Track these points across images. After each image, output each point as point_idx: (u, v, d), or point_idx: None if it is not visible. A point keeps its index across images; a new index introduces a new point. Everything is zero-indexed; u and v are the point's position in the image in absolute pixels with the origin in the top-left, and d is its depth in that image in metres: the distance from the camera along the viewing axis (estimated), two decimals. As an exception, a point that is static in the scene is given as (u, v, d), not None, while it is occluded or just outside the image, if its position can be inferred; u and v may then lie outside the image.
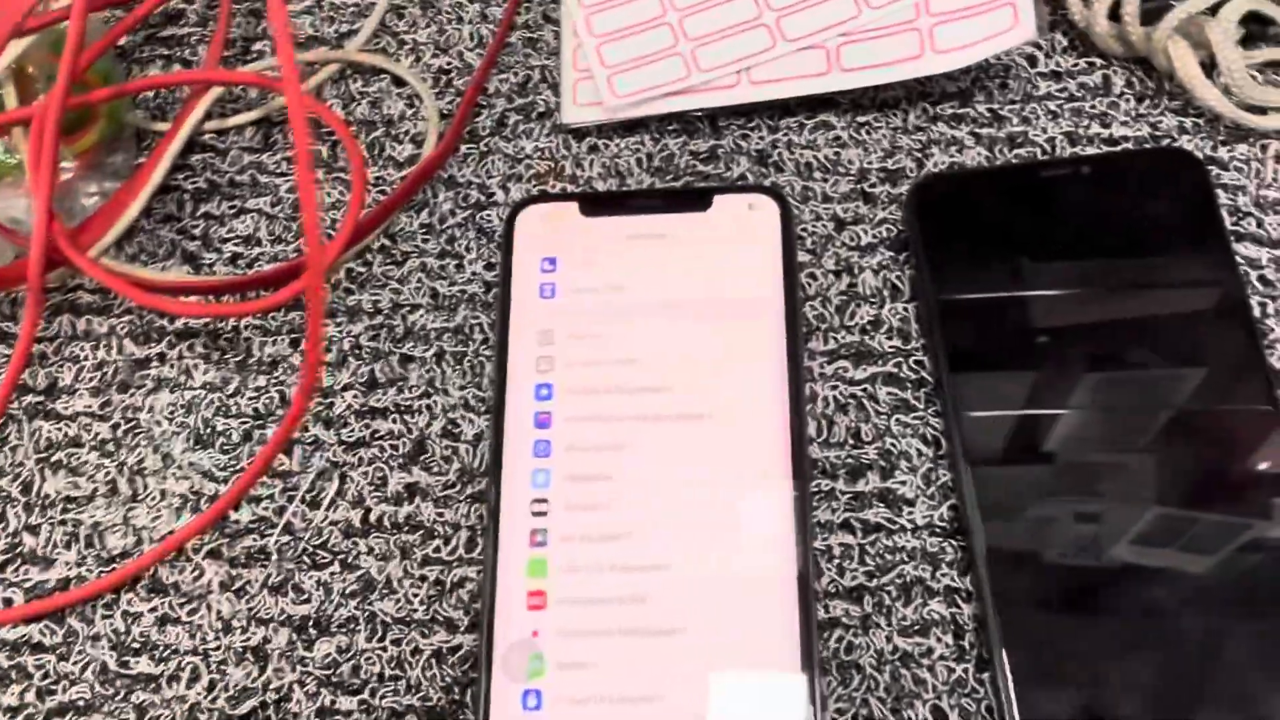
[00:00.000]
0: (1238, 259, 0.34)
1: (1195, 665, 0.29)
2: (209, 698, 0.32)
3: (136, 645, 0.33)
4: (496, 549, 0.32)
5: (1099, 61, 0.38)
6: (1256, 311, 0.34)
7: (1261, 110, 0.36)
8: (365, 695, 0.31)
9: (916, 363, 0.34)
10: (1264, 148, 0.36)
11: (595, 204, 0.36)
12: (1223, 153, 0.36)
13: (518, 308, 0.35)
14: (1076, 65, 0.38)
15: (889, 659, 0.31)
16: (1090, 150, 0.36)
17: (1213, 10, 0.36)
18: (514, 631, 0.31)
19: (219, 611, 0.33)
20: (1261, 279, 0.34)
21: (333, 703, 0.31)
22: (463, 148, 0.39)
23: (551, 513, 0.32)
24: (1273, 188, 0.35)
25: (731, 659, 0.30)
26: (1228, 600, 0.30)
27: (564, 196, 0.37)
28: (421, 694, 0.31)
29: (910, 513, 0.33)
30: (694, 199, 0.36)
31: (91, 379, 0.36)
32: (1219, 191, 0.35)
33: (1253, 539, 0.30)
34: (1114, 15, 0.37)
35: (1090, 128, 0.37)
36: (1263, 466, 0.31)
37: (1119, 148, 0.36)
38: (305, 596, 0.33)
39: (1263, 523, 0.31)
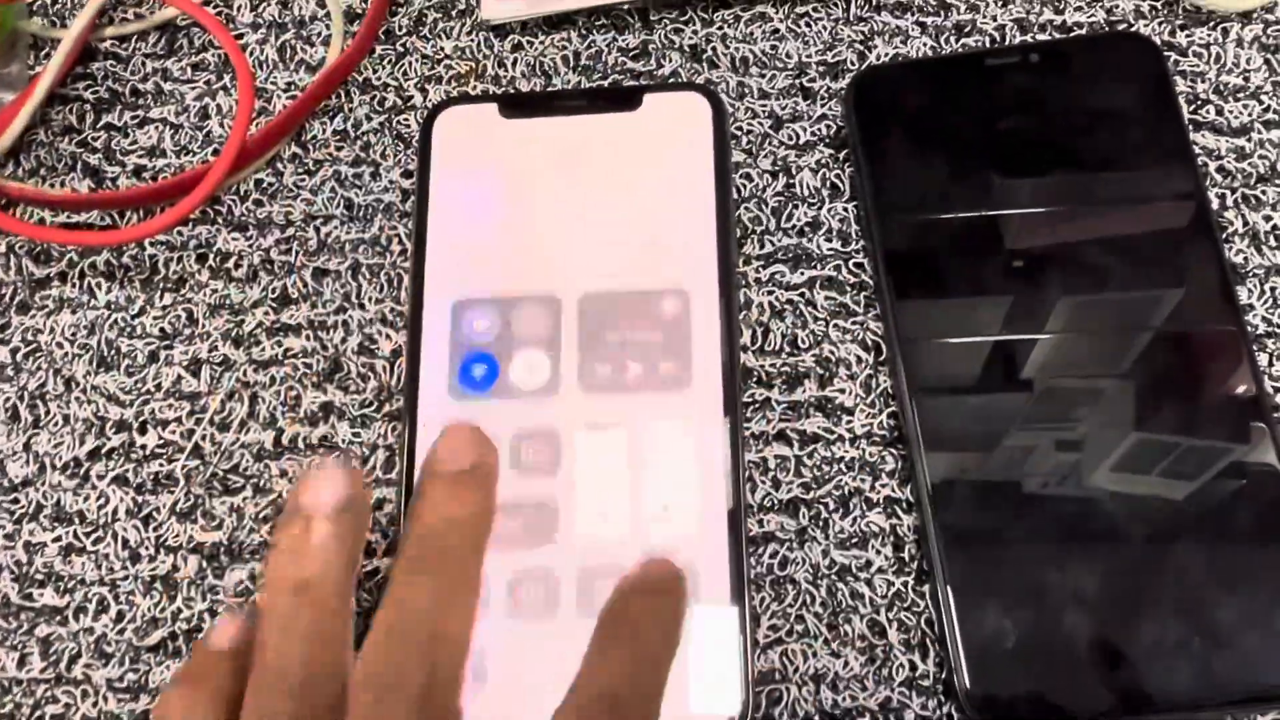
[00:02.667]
0: (1195, 149, 0.32)
1: (1133, 575, 0.28)
2: (116, 629, 0.31)
3: (40, 577, 0.31)
4: (413, 469, 0.30)
5: (1052, -56, 0.36)
6: (1215, 204, 0.32)
7: (1222, -8, 0.34)
8: (279, 623, 0.30)
9: (856, 265, 0.32)
10: (1225, 32, 0.34)
11: (517, 105, 0.34)
12: (1181, 38, 0.34)
13: (436, 217, 0.33)
14: (1028, -52, 0.35)
15: (825, 573, 0.30)
16: (1042, 37, 0.34)
17: (1172, -116, 0.34)
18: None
19: (125, 540, 0.31)
20: (1221, 169, 0.32)
21: (245, 631, 0.30)
22: (378, 49, 0.36)
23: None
24: (1234, 74, 0.33)
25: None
26: (1166, 511, 0.28)
27: (484, 98, 0.34)
28: (338, 620, 0.30)
29: (849, 422, 0.31)
30: (622, 98, 0.34)
31: (-12, 301, 0.34)
32: (1176, 79, 0.33)
33: (1191, 450, 0.29)
34: (1067, -108, 0.34)
35: (1042, 14, 0.35)
36: (1213, 374, 0.30)
37: (1071, 34, 0.34)
38: (216, 523, 0.31)
39: (1204, 435, 0.29)
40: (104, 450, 0.32)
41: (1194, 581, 0.28)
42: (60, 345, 0.34)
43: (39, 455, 0.33)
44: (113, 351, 0.34)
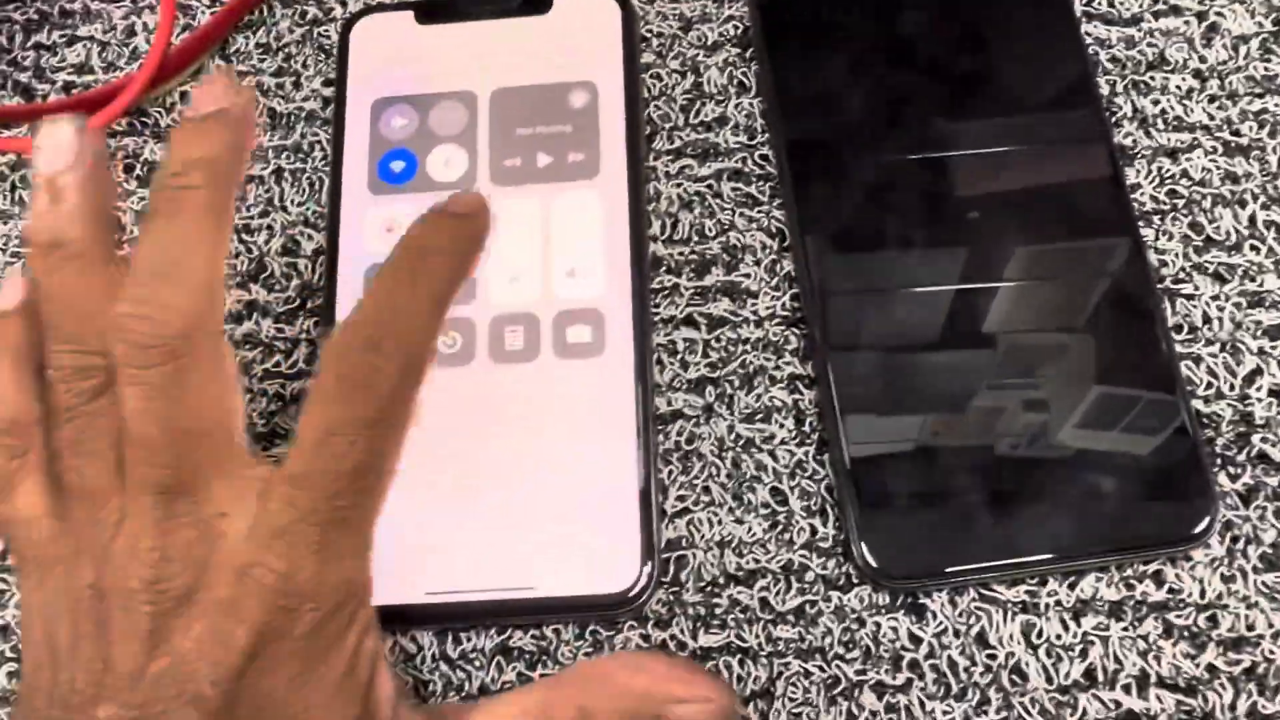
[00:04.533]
0: (1087, 39, 0.33)
1: (1023, 439, 0.29)
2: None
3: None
4: (335, 270, 0.32)
5: None
6: (1105, 90, 0.33)
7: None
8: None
9: (762, 157, 0.34)
10: (1116, -73, 0.35)
11: (431, 13, 0.35)
12: (1075, -66, 0.35)
13: (353, 122, 0.34)
14: None
15: (730, 445, 0.31)
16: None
17: None
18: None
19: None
20: (1112, 59, 0.34)
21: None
22: (301, -35, 0.37)
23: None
24: (1125, -32, 0.35)
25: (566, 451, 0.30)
26: (1052, 361, 0.30)
27: (399, 6, 0.35)
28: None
29: (754, 304, 0.32)
30: (533, 3, 0.35)
31: (-79, 214, 0.35)
32: (1070, -27, 0.34)
33: (1064, 289, 0.30)
34: None
35: (941, -84, 0.36)
36: (1098, 246, 0.31)
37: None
38: (145, 417, 0.32)
39: (1069, 276, 0.30)
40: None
41: (1074, 435, 0.29)
42: (-8, 254, 0.35)
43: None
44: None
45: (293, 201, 0.34)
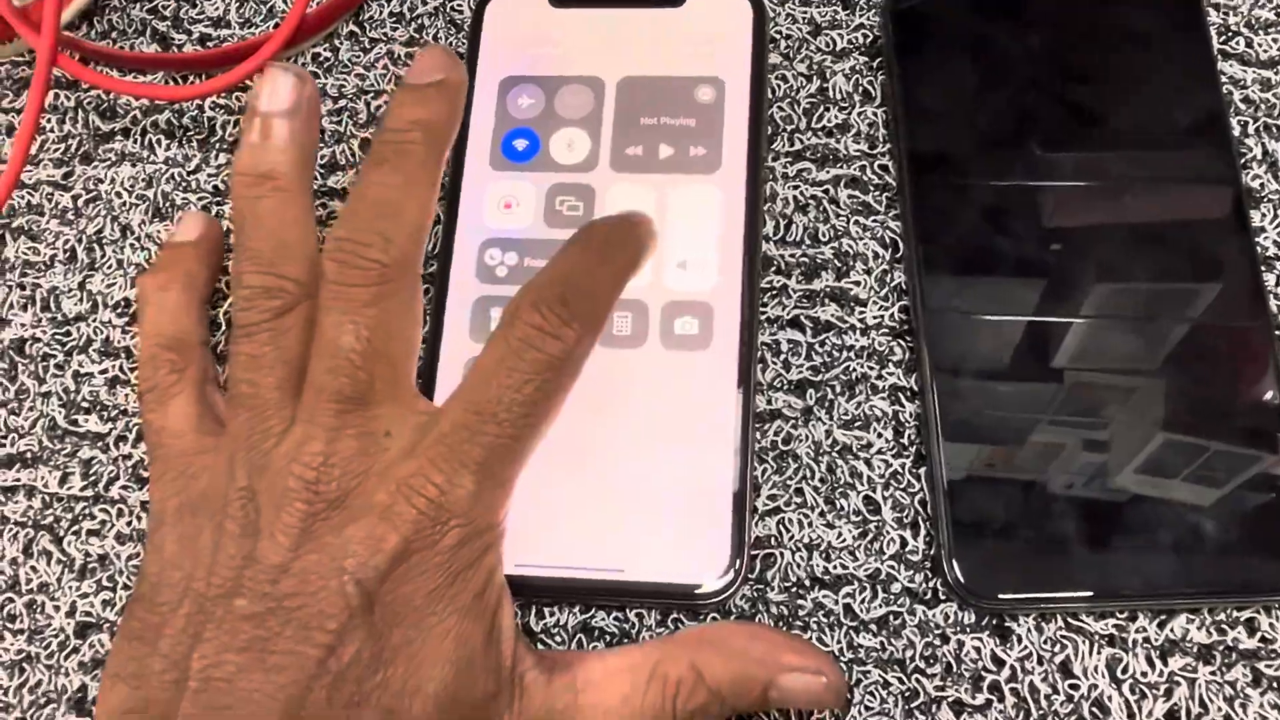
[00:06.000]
0: (1222, 78, 0.33)
1: (1126, 455, 0.29)
2: (153, 456, 0.32)
3: (86, 405, 0.33)
4: (452, 238, 0.33)
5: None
6: (1236, 130, 0.33)
7: (1263, -70, 0.34)
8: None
9: (881, 167, 0.34)
10: (1261, -32, 0.35)
11: (566, -4, 0.36)
12: (1218, -28, 0.35)
13: (480, 99, 0.35)
14: (1074, -122, 0.36)
15: (827, 450, 0.31)
16: (1080, -35, 0.35)
17: None
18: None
19: (168, 376, 0.33)
20: (1245, 100, 0.33)
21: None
22: (439, -61, 0.38)
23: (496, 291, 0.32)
24: (1267, 9, 0.34)
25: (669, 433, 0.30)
26: (1156, 401, 0.29)
27: (535, -14, 0.36)
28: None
29: (861, 312, 0.32)
30: (667, -6, 0.35)
31: (56, 149, 0.36)
32: (1212, 11, 0.34)
33: (1191, 335, 0.30)
34: None
35: (1082, -58, 0.35)
36: (1218, 290, 0.31)
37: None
38: (254, 367, 0.33)
39: (1193, 304, 0.30)
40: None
41: (1178, 477, 0.29)
42: (119, 195, 0.36)
43: (92, 294, 0.34)
44: (167, 204, 0.35)
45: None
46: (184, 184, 0.35)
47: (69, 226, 0.35)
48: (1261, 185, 0.32)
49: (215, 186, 0.35)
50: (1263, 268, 0.31)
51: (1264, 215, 0.32)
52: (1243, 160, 0.32)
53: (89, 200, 0.36)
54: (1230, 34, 0.34)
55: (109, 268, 0.35)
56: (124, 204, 0.35)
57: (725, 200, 0.32)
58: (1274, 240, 0.32)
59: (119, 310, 0.34)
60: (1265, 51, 0.34)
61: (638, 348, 0.31)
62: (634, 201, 0.33)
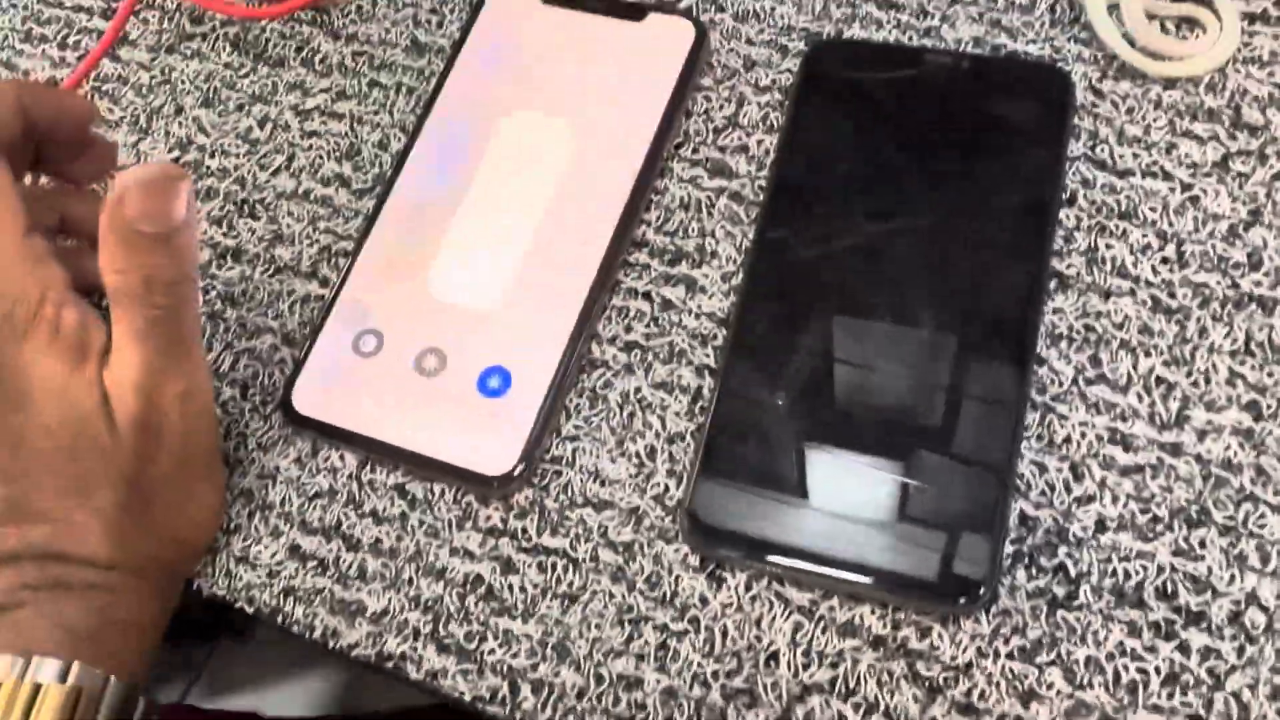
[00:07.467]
0: (1071, 176, 0.37)
1: (859, 472, 0.34)
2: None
3: (108, 232, 0.42)
4: (374, 222, 0.40)
5: (1035, -16, 0.41)
6: (1072, 223, 0.37)
7: (1161, 59, 0.38)
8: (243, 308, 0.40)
9: (759, 188, 0.39)
10: (1146, 90, 0.38)
11: (556, -4, 0.43)
12: (1106, 85, 0.38)
13: (462, 65, 0.42)
14: (1013, -17, 0.41)
15: (634, 401, 0.37)
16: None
17: (1144, -44, 0.38)
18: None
19: (170, 224, 0.42)
20: (1089, 199, 0.37)
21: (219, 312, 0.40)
22: (483, -65, 0.46)
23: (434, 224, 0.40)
24: (1138, 125, 0.38)
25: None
26: (899, 421, 0.34)
27: (536, -14, 0.43)
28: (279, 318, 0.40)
29: (700, 300, 0.38)
30: (634, 11, 0.42)
31: (152, 39, 0.46)
32: (1089, 118, 0.38)
33: (956, 367, 0.34)
34: (1051, -60, 0.39)
35: (999, 38, 0.40)
36: (993, 344, 0.35)
37: (1005, 54, 0.39)
38: (234, 233, 0.42)
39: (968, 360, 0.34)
40: (180, 160, 0.43)
41: (892, 487, 0.33)
42: (183, 82, 0.45)
43: (140, 155, 0.44)
44: (215, 96, 0.44)
45: (398, 109, 0.43)
46: (231, 84, 0.45)
47: (141, 98, 0.45)
48: (1076, 274, 0.36)
49: (253, 92, 0.44)
50: (1047, 340, 0.35)
51: (1067, 298, 0.36)
52: (1067, 249, 0.36)
53: (161, 82, 0.45)
54: (1098, 140, 0.38)
55: (157, 135, 0.44)
56: (184, 89, 0.45)
57: (619, 182, 0.39)
58: (1069, 323, 0.35)
59: (154, 168, 0.43)
60: (1123, 163, 0.37)
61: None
62: (547, 147, 0.40)
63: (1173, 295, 0.35)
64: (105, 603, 0.34)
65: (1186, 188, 0.37)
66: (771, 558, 0.33)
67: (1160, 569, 0.32)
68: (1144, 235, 0.36)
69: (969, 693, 0.32)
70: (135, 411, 0.33)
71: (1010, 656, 0.32)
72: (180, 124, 0.44)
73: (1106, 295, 0.36)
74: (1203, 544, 0.32)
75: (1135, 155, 0.37)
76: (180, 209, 0.32)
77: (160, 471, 0.34)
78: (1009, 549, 0.33)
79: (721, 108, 0.41)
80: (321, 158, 0.42)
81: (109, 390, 0.33)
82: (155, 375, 0.33)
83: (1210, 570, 0.32)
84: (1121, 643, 0.31)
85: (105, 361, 0.33)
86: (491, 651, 0.34)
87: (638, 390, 0.37)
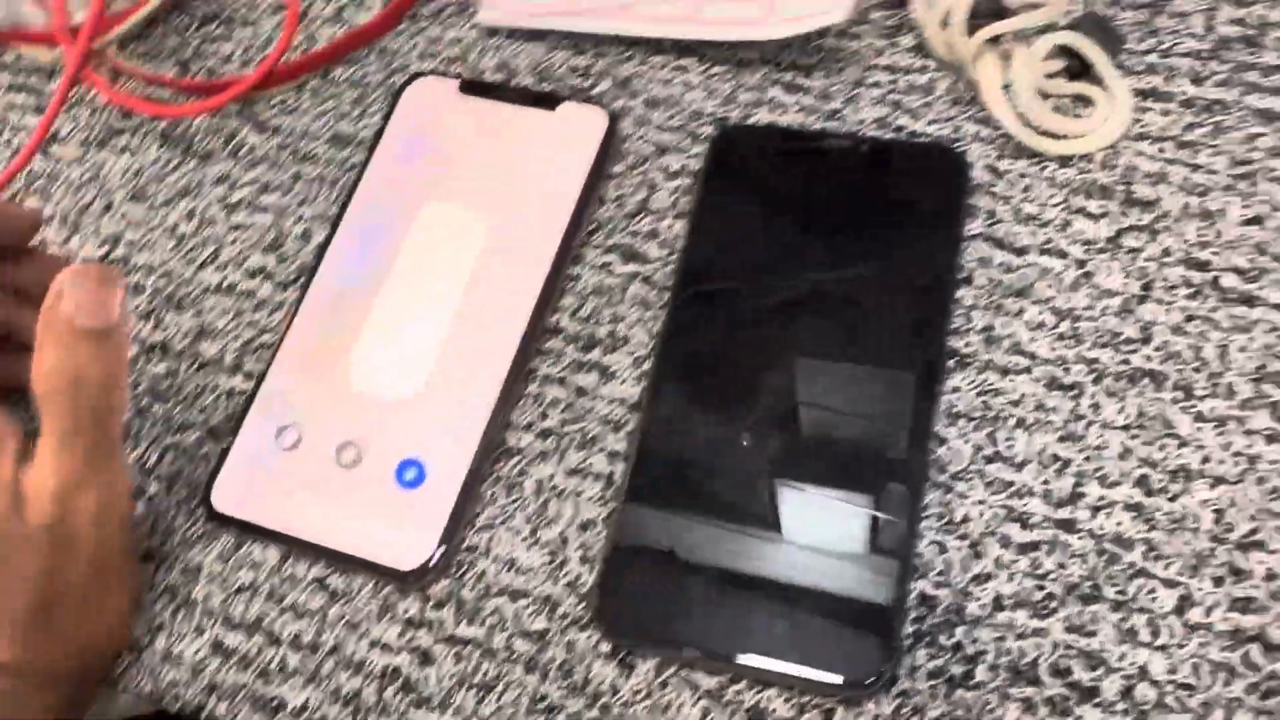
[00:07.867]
0: (969, 254, 0.38)
1: (759, 558, 0.34)
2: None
3: (39, 329, 0.43)
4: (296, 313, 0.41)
5: (933, 66, 0.42)
6: (969, 301, 0.38)
7: (1056, 137, 0.39)
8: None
9: (669, 272, 0.40)
10: (1043, 168, 0.39)
11: (473, 87, 0.44)
12: (1005, 163, 0.39)
13: (381, 155, 0.43)
14: (912, 65, 0.42)
15: (548, 489, 0.37)
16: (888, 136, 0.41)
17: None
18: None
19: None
20: (988, 278, 0.38)
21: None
22: (405, 23, 0.47)
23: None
24: (1034, 204, 0.39)
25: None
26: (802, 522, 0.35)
27: (451, 75, 0.44)
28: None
29: (613, 386, 0.39)
30: (546, 100, 0.43)
31: (83, 133, 0.47)
32: (987, 197, 0.39)
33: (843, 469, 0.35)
34: (946, 23, 0.41)
35: (900, 120, 0.41)
36: (890, 429, 0.35)
37: (900, 137, 0.41)
38: (163, 327, 0.43)
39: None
40: (109, 256, 0.44)
41: (795, 569, 0.34)
42: (112, 178, 0.46)
43: (71, 253, 0.45)
44: (144, 190, 0.45)
45: (321, 198, 0.44)
46: (159, 179, 0.46)
47: (71, 195, 0.46)
48: (974, 352, 0.37)
49: (182, 187, 0.45)
50: (945, 419, 0.36)
51: (965, 376, 0.37)
52: (965, 327, 0.37)
53: (91, 178, 0.46)
54: (995, 219, 0.39)
55: (88, 232, 0.45)
56: (112, 186, 0.46)
57: (534, 270, 0.40)
58: (966, 401, 0.36)
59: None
60: (1019, 240, 0.38)
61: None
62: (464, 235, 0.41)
63: (1067, 371, 0.36)
64: (3, 706, 0.34)
65: (1081, 264, 0.38)
66: (678, 645, 0.34)
67: (1054, 645, 0.33)
68: (1040, 312, 0.37)
69: (871, 775, 0.32)
70: (50, 519, 0.33)
71: (912, 736, 0.33)
72: (109, 220, 0.45)
73: (1004, 373, 0.37)
74: (1095, 620, 0.33)
75: (1032, 233, 0.38)
76: (115, 306, 0.33)
77: (71, 580, 0.34)
78: (909, 629, 0.34)
79: (633, 193, 0.42)
80: (246, 251, 0.43)
81: (26, 494, 0.34)
82: (75, 486, 0.34)
83: (1102, 646, 0.33)
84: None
85: (22, 466, 0.34)
86: (409, 744, 0.35)
87: (551, 477, 0.38)
